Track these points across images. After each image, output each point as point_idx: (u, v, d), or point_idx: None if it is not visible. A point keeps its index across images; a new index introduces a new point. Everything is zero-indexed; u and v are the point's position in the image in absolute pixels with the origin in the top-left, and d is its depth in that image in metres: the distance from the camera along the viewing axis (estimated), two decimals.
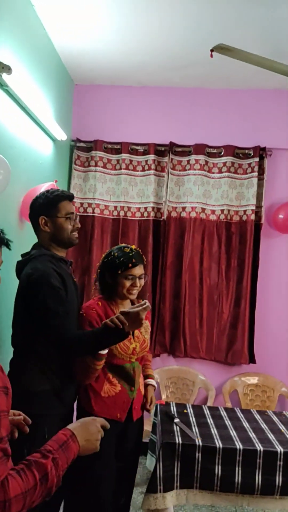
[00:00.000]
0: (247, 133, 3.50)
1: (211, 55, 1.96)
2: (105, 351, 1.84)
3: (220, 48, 1.95)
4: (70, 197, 2.00)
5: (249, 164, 3.47)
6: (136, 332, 2.07)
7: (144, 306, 1.70)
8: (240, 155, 3.49)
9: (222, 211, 3.50)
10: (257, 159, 3.43)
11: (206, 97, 3.54)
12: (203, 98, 3.54)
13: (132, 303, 2.13)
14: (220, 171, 3.51)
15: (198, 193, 3.51)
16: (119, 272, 1.97)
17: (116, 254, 2.01)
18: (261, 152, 3.44)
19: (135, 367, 2.07)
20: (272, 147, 3.47)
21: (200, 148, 3.49)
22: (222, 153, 3.49)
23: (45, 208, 1.94)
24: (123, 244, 2.10)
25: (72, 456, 1.13)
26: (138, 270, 2.00)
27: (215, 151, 3.50)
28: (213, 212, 3.53)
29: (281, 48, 2.56)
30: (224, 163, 3.49)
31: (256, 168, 3.43)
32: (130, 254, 1.99)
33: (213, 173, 3.53)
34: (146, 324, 2.15)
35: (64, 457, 1.10)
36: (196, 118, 3.55)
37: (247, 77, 3.29)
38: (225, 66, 3.05)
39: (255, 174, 3.43)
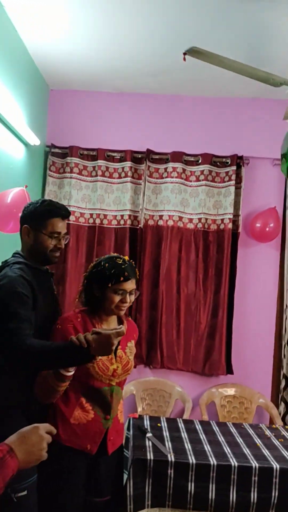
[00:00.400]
0: (224, 142, 3.48)
1: (184, 59, 1.92)
2: (69, 373, 1.65)
3: (193, 52, 1.90)
4: (64, 216, 1.85)
5: (227, 173, 3.44)
6: (119, 351, 1.87)
7: (118, 330, 1.53)
8: (218, 163, 3.46)
9: (200, 219, 3.46)
10: (234, 168, 3.40)
11: (183, 104, 3.51)
12: (181, 105, 3.51)
13: (119, 320, 1.94)
14: (198, 179, 3.47)
15: (176, 201, 3.46)
16: (109, 285, 1.79)
17: (107, 265, 1.81)
18: (238, 161, 3.42)
19: (114, 392, 1.85)
20: (250, 156, 3.45)
21: (177, 156, 3.45)
22: (200, 161, 3.45)
23: (32, 218, 1.82)
24: (115, 254, 1.91)
25: (11, 472, 1.05)
26: (130, 285, 1.81)
27: (192, 159, 3.47)
28: (190, 220, 3.48)
29: (259, 54, 2.54)
30: (202, 171, 3.45)
31: (233, 177, 3.41)
32: (123, 267, 1.80)
33: (191, 181, 3.49)
34: (131, 344, 1.97)
35: (0, 476, 1.02)
36: (174, 126, 3.51)
37: (225, 85, 3.27)
38: (203, 73, 3.03)
39: (233, 182, 3.40)
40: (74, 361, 1.61)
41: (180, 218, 3.47)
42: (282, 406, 3.37)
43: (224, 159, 3.43)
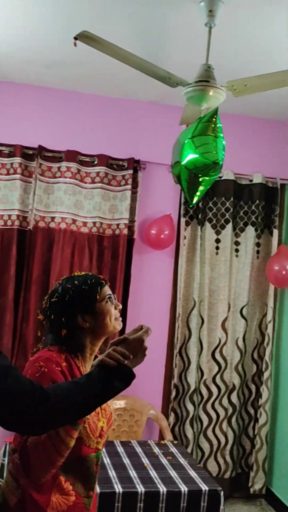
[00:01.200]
0: (121, 144, 3.35)
1: (75, 44, 1.73)
2: None
3: (84, 37, 1.72)
4: None
5: (123, 176, 3.32)
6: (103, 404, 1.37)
7: (144, 330, 1.29)
8: (114, 166, 3.32)
9: (94, 223, 3.29)
10: (131, 172, 3.29)
11: (80, 101, 3.32)
12: (77, 102, 3.32)
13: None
14: (93, 181, 3.30)
15: (69, 203, 3.25)
16: (97, 297, 1.45)
17: (76, 282, 1.46)
18: (135, 165, 3.32)
19: (99, 459, 1.46)
20: (147, 161, 3.37)
21: (72, 155, 3.24)
22: (96, 162, 3.28)
23: None
24: (67, 276, 1.57)
25: None
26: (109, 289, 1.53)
27: (88, 159, 3.29)
28: (84, 224, 3.29)
29: (156, 54, 2.42)
30: (98, 173, 3.29)
31: (130, 181, 3.29)
32: (90, 274, 1.53)
33: (86, 182, 3.31)
34: None
35: None
36: (69, 123, 3.30)
37: (124, 86, 3.15)
38: (101, 70, 2.87)
39: (129, 187, 3.29)
40: (118, 387, 1.19)
41: (74, 221, 3.27)
42: (172, 417, 3.33)
43: (120, 162, 3.31)
